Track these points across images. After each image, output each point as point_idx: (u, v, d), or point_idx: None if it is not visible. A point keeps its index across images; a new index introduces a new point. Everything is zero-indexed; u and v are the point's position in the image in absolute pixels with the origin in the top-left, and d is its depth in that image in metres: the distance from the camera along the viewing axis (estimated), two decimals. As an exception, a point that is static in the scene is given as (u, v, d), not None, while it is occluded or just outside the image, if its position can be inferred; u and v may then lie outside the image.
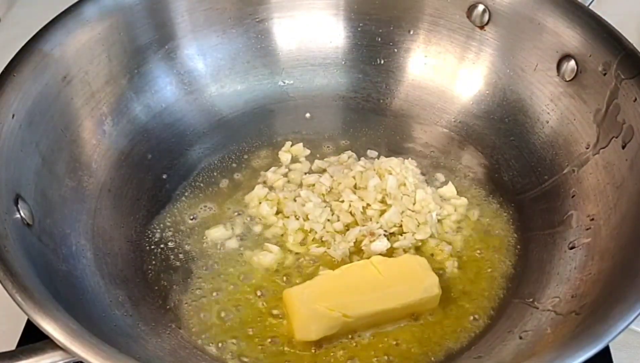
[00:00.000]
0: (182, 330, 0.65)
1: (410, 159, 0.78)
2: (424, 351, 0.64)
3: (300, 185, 0.77)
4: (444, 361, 0.64)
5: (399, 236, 0.72)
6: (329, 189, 0.75)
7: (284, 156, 0.81)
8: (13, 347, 0.67)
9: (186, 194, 0.77)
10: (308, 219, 0.73)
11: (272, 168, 0.79)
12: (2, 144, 0.61)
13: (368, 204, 0.73)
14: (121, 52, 0.77)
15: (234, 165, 0.80)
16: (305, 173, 0.78)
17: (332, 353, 0.64)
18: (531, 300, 0.66)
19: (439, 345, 0.64)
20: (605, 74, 0.69)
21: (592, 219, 0.68)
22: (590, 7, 0.74)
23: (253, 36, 0.86)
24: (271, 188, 0.77)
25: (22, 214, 0.60)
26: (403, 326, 0.65)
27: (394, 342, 0.64)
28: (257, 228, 0.74)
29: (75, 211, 0.69)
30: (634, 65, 0.67)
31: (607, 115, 0.69)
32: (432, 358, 0.64)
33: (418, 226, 0.72)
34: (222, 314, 0.66)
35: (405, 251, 0.71)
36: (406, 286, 0.65)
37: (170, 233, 0.73)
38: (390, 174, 0.74)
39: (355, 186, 0.75)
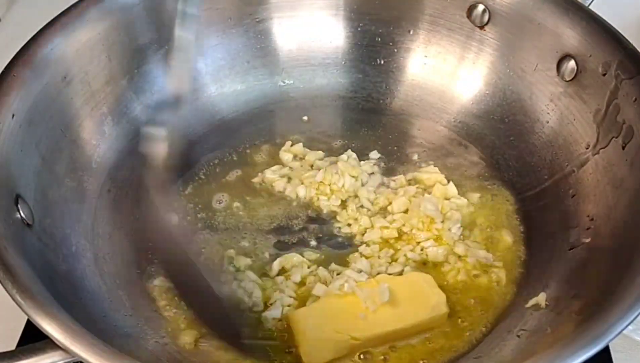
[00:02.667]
0: (182, 330, 0.65)
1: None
2: (426, 351, 0.64)
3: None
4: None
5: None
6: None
7: (285, 155, 0.81)
8: (13, 347, 0.67)
9: (186, 194, 0.77)
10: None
11: (273, 167, 0.79)
12: (2, 144, 0.61)
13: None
14: (121, 52, 0.77)
15: (234, 165, 0.80)
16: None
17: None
18: (531, 300, 0.66)
19: (443, 348, 0.64)
20: (605, 74, 0.69)
21: (592, 220, 0.68)
22: (590, 7, 0.74)
23: (253, 36, 0.86)
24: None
25: (22, 214, 0.60)
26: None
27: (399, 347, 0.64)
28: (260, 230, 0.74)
29: (75, 211, 0.69)
30: (634, 65, 0.67)
31: (607, 115, 0.69)
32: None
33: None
34: (223, 315, 0.66)
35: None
36: (414, 306, 0.64)
37: (170, 232, 0.73)
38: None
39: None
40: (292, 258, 0.70)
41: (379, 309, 0.63)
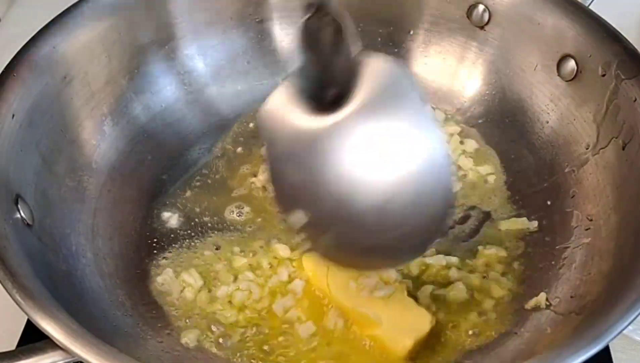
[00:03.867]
0: (182, 330, 0.65)
1: None
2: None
3: None
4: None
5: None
6: None
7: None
8: (13, 347, 0.67)
9: (186, 194, 0.77)
10: None
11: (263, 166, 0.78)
12: (2, 144, 0.61)
13: None
14: (121, 52, 0.77)
15: (234, 165, 0.80)
16: None
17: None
18: (531, 300, 0.66)
19: (440, 344, 0.64)
20: (605, 75, 0.69)
21: (592, 220, 0.68)
22: (590, 7, 0.74)
23: (253, 36, 0.86)
24: None
25: (22, 214, 0.60)
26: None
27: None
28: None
29: (75, 211, 0.69)
30: (634, 65, 0.67)
31: (607, 115, 0.69)
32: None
33: None
34: (223, 315, 0.66)
35: None
36: (393, 326, 0.62)
37: (170, 233, 0.73)
38: None
39: None
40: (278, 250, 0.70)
41: (369, 297, 0.63)
